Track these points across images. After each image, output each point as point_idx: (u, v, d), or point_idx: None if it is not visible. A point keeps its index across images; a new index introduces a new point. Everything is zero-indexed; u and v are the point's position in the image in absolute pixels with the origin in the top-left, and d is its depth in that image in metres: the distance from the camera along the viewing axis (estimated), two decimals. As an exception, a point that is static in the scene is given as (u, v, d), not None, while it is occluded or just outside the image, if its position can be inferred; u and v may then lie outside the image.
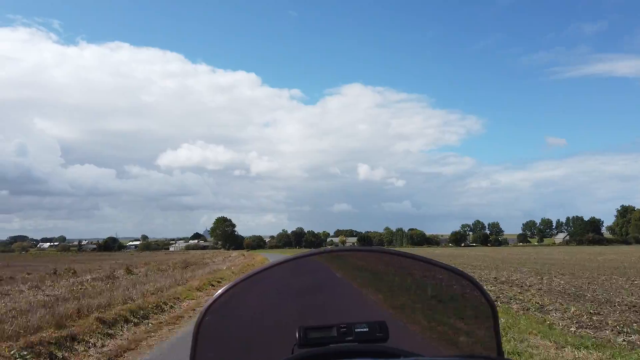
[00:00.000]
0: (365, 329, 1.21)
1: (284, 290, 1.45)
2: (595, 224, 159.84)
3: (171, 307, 12.90)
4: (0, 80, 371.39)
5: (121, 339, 9.20)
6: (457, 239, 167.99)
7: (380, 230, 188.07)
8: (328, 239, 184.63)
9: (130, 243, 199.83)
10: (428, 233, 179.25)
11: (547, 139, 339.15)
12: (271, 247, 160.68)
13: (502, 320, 10.05)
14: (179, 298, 14.24)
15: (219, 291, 1.27)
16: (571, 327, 10.09)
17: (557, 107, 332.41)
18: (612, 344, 8.49)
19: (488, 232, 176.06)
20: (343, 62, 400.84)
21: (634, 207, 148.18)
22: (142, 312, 11.35)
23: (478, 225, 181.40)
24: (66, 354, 7.73)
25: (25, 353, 7.06)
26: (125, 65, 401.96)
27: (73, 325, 9.02)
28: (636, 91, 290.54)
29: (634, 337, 9.11)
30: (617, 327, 10.03)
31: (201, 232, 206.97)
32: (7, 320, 8.83)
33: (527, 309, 12.43)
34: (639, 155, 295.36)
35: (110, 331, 9.45)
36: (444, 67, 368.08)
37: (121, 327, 9.97)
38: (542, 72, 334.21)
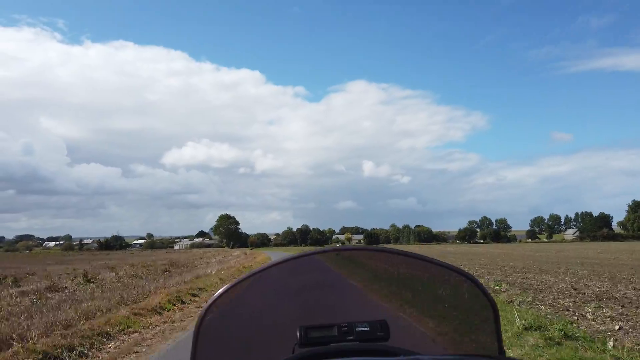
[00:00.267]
0: (366, 328, 1.19)
1: (285, 290, 1.42)
2: (605, 219, 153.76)
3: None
4: (6, 80, 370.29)
5: None
6: (467, 235, 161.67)
7: (386, 227, 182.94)
8: (334, 237, 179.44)
9: (136, 241, 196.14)
10: (434, 230, 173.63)
11: (553, 134, 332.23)
12: (276, 245, 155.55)
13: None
14: (104, 334, 8.59)
15: (220, 290, 1.25)
16: None
17: (563, 102, 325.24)
18: None
19: (495, 228, 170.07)
20: (347, 59, 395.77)
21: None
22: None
23: (485, 222, 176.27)
24: None
25: None
26: (129, 64, 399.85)
27: None
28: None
29: None
30: None
31: (206, 230, 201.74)
32: None
33: None
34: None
35: None
36: (448, 63, 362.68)
37: None
38: (547, 67, 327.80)
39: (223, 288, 1.25)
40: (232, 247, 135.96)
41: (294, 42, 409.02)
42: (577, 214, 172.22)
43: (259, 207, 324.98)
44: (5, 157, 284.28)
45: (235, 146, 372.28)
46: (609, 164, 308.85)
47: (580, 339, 7.98)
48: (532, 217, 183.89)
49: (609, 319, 10.00)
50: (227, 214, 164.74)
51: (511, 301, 12.34)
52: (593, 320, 9.94)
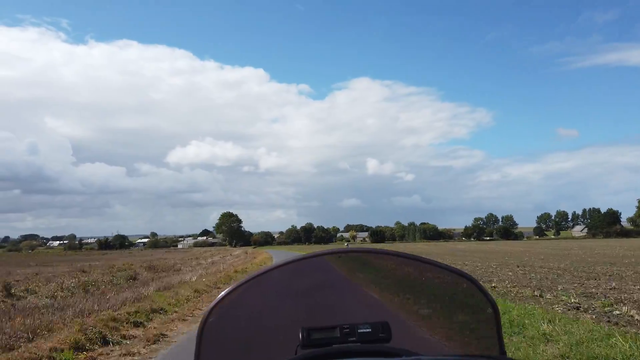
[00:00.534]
0: (368, 330, 1.19)
1: (287, 291, 1.41)
2: (614, 215, 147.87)
3: None
4: (11, 80, 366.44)
5: None
6: (476, 232, 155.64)
7: (390, 224, 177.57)
8: (338, 235, 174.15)
9: (139, 240, 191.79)
10: (440, 227, 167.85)
11: (558, 130, 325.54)
12: (280, 244, 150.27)
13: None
14: None
15: (222, 293, 1.24)
16: None
17: (568, 98, 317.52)
18: None
19: (504, 225, 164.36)
20: (351, 56, 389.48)
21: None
22: None
23: (491, 219, 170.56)
24: None
25: None
26: (133, 63, 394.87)
27: None
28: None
29: None
30: None
31: (210, 229, 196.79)
32: None
33: None
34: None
35: None
36: (452, 60, 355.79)
37: None
38: (552, 62, 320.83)
39: (225, 290, 1.25)
40: (235, 246, 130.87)
41: (297, 40, 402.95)
42: (584, 210, 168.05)
43: (263, 206, 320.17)
44: (10, 157, 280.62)
45: (239, 144, 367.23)
46: (614, 160, 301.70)
47: None
48: (539, 214, 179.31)
49: None
50: (229, 212, 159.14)
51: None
52: None
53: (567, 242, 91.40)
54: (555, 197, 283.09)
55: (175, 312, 11.75)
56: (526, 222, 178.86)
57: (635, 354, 6.23)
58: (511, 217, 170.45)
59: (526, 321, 8.66)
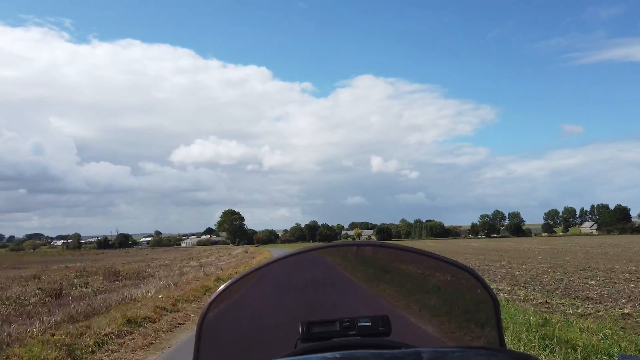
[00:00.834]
0: (367, 323, 1.17)
1: (287, 286, 1.38)
2: (624, 211, 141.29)
3: None
4: (15, 80, 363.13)
5: None
6: (488, 229, 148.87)
7: (395, 222, 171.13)
8: (343, 232, 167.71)
9: (143, 239, 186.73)
10: (445, 224, 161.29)
11: (563, 126, 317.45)
12: (284, 242, 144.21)
13: None
14: None
15: (222, 287, 1.22)
16: None
17: (573, 94, 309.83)
18: None
19: (508, 222, 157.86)
20: (354, 54, 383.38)
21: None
22: None
23: (498, 215, 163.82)
24: None
25: None
26: (136, 63, 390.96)
27: None
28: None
29: None
30: None
31: (214, 227, 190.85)
32: None
33: None
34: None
35: None
36: (456, 56, 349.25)
37: None
38: (557, 58, 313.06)
39: (224, 284, 1.21)
40: (238, 244, 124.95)
41: (300, 38, 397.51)
42: (592, 207, 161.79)
43: (267, 204, 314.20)
44: (15, 157, 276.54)
45: (243, 143, 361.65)
46: (620, 156, 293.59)
47: None
48: (544, 211, 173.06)
49: None
50: (231, 210, 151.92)
51: None
52: None
53: (588, 238, 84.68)
54: (561, 194, 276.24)
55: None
56: (532, 218, 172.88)
57: None
58: (518, 214, 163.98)
59: None
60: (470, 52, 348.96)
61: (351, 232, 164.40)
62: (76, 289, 15.98)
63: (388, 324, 1.16)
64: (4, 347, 6.78)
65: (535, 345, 6.66)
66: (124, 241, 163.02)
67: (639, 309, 9.52)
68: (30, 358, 6.27)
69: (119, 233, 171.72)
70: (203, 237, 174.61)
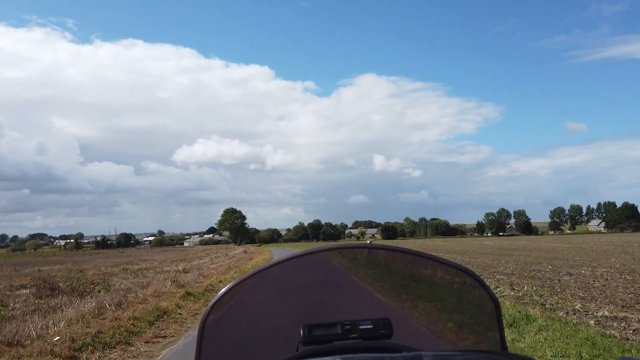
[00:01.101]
0: (369, 326, 1.15)
1: (288, 288, 1.37)
2: (632, 209, 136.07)
3: None
4: (18, 80, 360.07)
5: None
6: (496, 227, 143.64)
7: (399, 220, 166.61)
8: (346, 231, 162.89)
9: (145, 239, 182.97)
10: (450, 223, 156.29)
11: (567, 124, 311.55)
12: (287, 241, 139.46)
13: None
14: None
15: (223, 289, 1.21)
16: None
17: (576, 92, 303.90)
18: None
19: (513, 220, 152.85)
20: (356, 52, 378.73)
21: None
22: None
23: (503, 214, 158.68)
24: None
25: None
26: (139, 62, 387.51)
27: None
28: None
29: None
30: None
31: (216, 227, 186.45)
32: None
33: None
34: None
35: None
36: (459, 55, 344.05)
37: None
38: (560, 56, 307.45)
39: (226, 287, 1.20)
40: (240, 244, 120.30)
41: (302, 37, 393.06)
42: (599, 204, 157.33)
43: (270, 203, 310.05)
44: (19, 157, 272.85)
45: (246, 142, 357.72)
46: (624, 153, 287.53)
47: None
48: (550, 209, 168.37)
49: None
50: (232, 208, 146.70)
51: None
52: None
53: (603, 236, 79.59)
54: (564, 192, 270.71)
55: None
56: (536, 216, 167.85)
57: None
58: (523, 212, 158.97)
59: None
60: (472, 50, 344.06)
61: (355, 231, 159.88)
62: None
63: (390, 327, 1.14)
64: None
65: None
66: (126, 241, 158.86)
67: None
68: None
69: (119, 233, 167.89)
70: (205, 236, 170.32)
